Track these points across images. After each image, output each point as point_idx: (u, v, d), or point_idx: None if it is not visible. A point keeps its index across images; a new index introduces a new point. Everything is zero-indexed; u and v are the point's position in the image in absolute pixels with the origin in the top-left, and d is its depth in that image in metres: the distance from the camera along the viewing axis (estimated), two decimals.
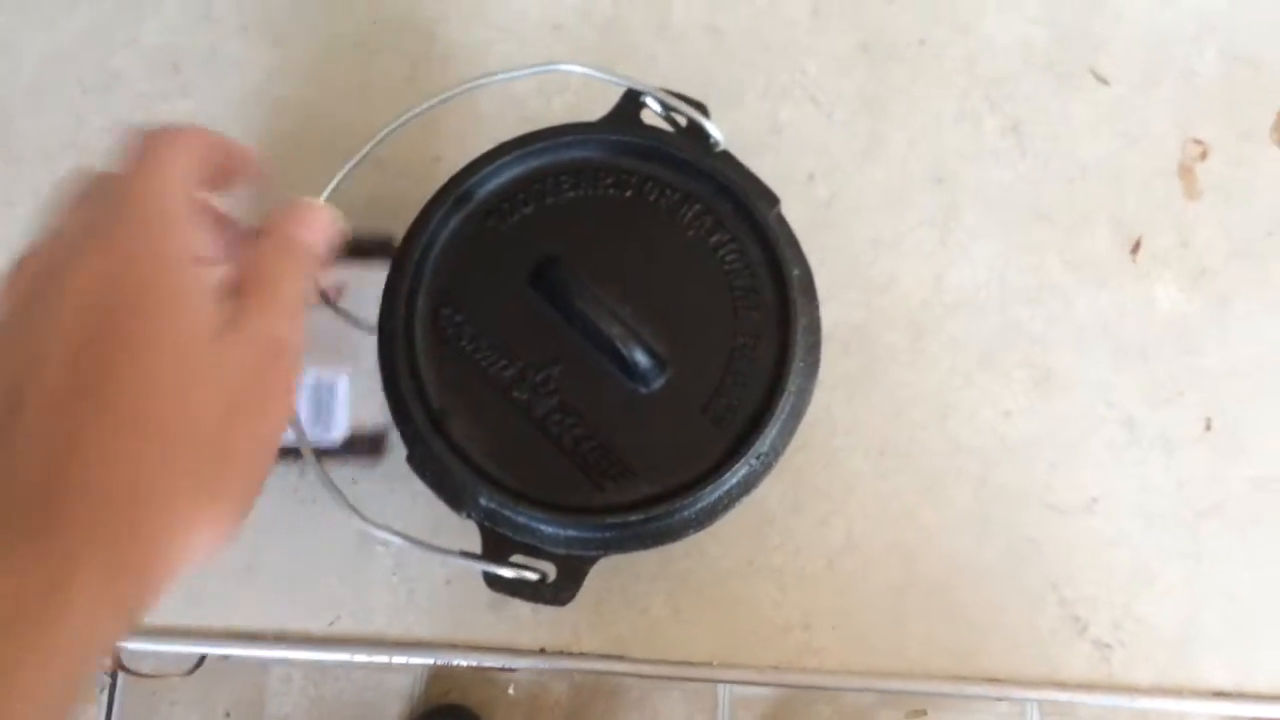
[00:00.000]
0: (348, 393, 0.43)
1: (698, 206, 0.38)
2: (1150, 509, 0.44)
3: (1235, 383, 0.45)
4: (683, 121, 0.39)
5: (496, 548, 0.36)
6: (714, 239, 0.37)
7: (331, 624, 0.43)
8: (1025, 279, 0.46)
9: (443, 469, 0.35)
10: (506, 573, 0.35)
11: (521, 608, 0.43)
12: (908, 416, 0.45)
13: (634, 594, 0.43)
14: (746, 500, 0.36)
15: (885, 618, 0.43)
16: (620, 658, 0.43)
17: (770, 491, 0.44)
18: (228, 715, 1.19)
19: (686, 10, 0.49)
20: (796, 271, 0.37)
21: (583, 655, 0.43)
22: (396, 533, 0.35)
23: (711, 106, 0.40)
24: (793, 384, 0.36)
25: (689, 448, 0.36)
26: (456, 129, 0.47)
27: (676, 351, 0.36)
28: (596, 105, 0.39)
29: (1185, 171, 0.47)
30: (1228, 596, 0.43)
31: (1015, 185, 0.47)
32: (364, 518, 0.35)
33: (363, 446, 0.43)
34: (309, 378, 0.43)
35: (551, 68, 0.38)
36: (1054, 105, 0.48)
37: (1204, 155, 0.47)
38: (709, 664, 0.43)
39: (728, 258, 0.37)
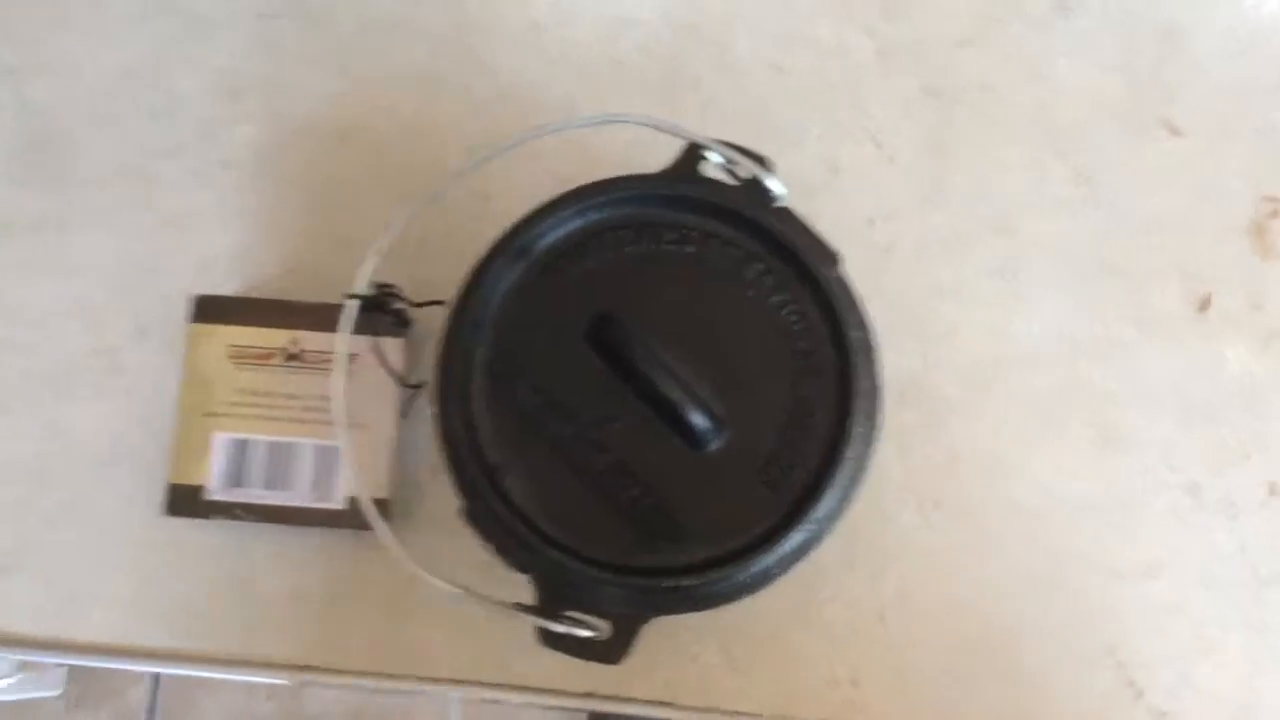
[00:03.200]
0: (349, 459, 0.41)
1: (759, 265, 0.37)
2: (1212, 575, 0.43)
3: None
4: (744, 174, 0.38)
5: (550, 603, 0.35)
6: (775, 299, 0.37)
7: (377, 658, 0.43)
8: (1091, 334, 0.45)
9: (498, 524, 0.35)
10: (559, 628, 0.35)
11: None
12: (964, 471, 0.44)
13: (684, 641, 0.43)
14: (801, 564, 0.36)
15: (935, 677, 0.42)
16: (669, 704, 0.43)
17: (825, 543, 0.43)
18: None
19: (750, 47, 0.48)
20: (857, 334, 0.36)
21: (631, 700, 0.43)
22: (459, 586, 0.35)
23: (771, 146, 0.39)
24: (852, 450, 0.35)
25: (745, 512, 0.35)
26: (508, 166, 0.46)
27: (734, 413, 0.36)
28: (659, 143, 0.39)
29: (1258, 229, 0.46)
30: None
31: (1082, 236, 0.46)
32: (427, 575, 0.35)
33: (358, 515, 0.40)
34: (308, 443, 0.42)
35: (612, 119, 0.38)
36: (1124, 155, 0.47)
37: (1277, 213, 0.46)
38: (759, 715, 0.42)
39: (788, 318, 0.37)
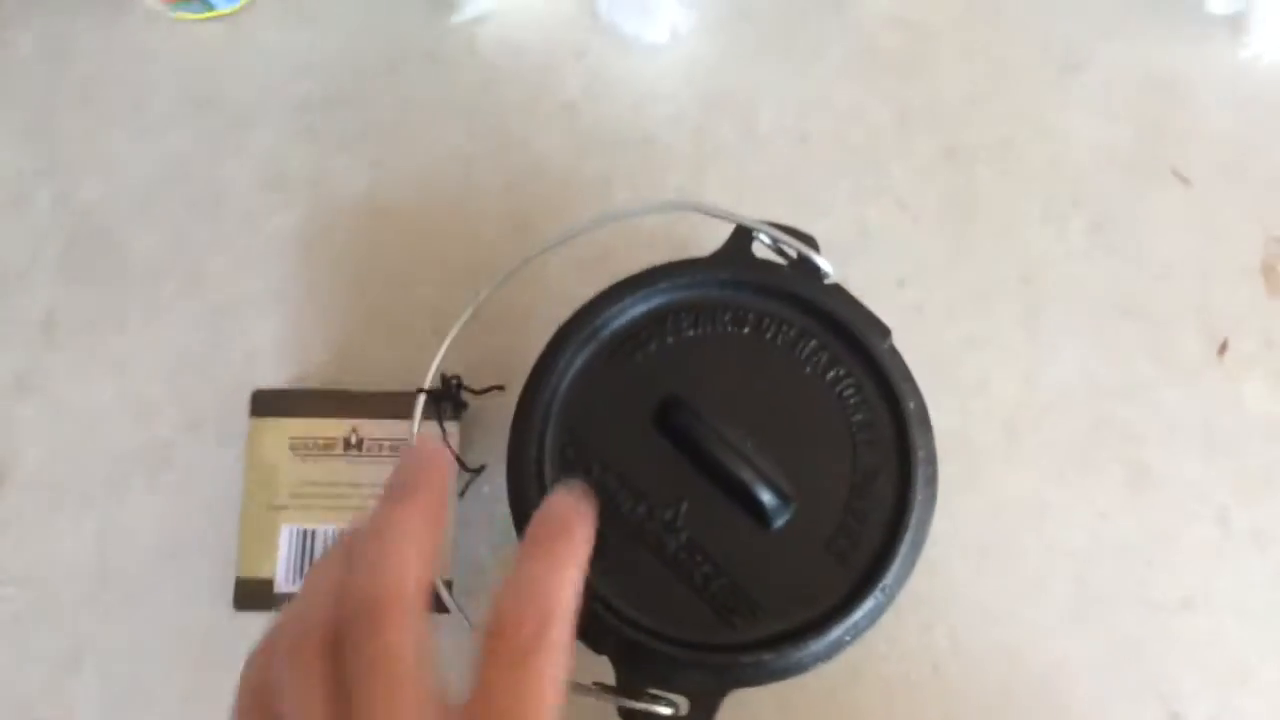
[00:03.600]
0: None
1: (814, 342, 0.39)
2: (1246, 604, 0.45)
3: None
4: (793, 254, 0.40)
5: (630, 682, 0.36)
6: (830, 374, 0.38)
7: None
8: (1115, 376, 0.47)
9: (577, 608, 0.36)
10: (640, 705, 0.36)
11: None
12: (1005, 517, 0.46)
13: (742, 699, 0.44)
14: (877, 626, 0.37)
15: (991, 719, 0.44)
16: None
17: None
18: None
19: (775, 117, 0.50)
20: (912, 405, 0.38)
21: None
22: None
23: (801, 211, 0.41)
24: (914, 517, 0.37)
25: (814, 584, 0.36)
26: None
27: (800, 488, 0.37)
28: (701, 219, 0.40)
29: (1269, 270, 0.48)
30: None
31: (1101, 283, 0.48)
32: None
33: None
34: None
35: (671, 206, 0.39)
36: (1137, 204, 0.49)
37: None
38: None
39: (844, 392, 0.38)
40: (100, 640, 0.45)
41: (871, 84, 0.50)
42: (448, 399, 0.42)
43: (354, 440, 0.44)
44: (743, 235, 0.40)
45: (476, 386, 0.44)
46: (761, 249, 0.40)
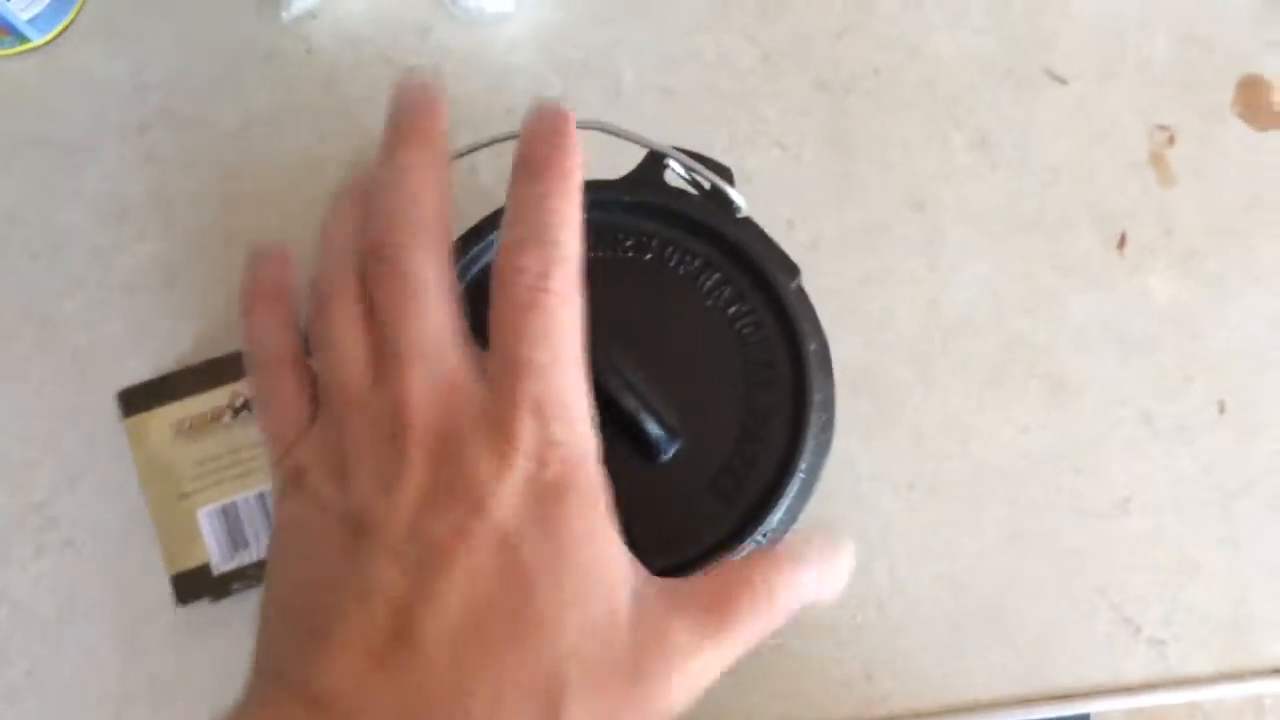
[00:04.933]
0: None
1: (717, 275, 0.37)
2: (1181, 499, 0.44)
3: (1240, 361, 0.45)
4: (706, 185, 0.38)
5: None
6: (732, 309, 0.37)
7: None
8: (1019, 290, 0.46)
9: None
10: None
11: None
12: (929, 447, 0.44)
13: None
14: None
15: (943, 653, 0.43)
16: None
17: None
18: None
19: (637, 76, 0.48)
20: (814, 347, 0.36)
21: None
22: None
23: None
24: (804, 462, 0.35)
25: (695, 522, 0.35)
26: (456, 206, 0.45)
27: (687, 424, 0.36)
28: (611, 160, 0.38)
29: (1156, 159, 0.47)
30: (1273, 571, 0.43)
31: (993, 198, 0.47)
32: None
33: None
34: None
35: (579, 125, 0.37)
36: (1016, 112, 0.48)
37: (1171, 140, 0.47)
38: None
39: (744, 330, 0.36)
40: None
41: (733, 28, 0.49)
42: None
43: (239, 403, 0.42)
44: (654, 161, 0.38)
45: None
46: (673, 180, 0.38)
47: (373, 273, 0.29)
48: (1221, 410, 0.45)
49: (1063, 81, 0.48)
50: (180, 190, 0.47)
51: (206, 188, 0.47)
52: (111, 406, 0.44)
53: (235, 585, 0.41)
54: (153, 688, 0.42)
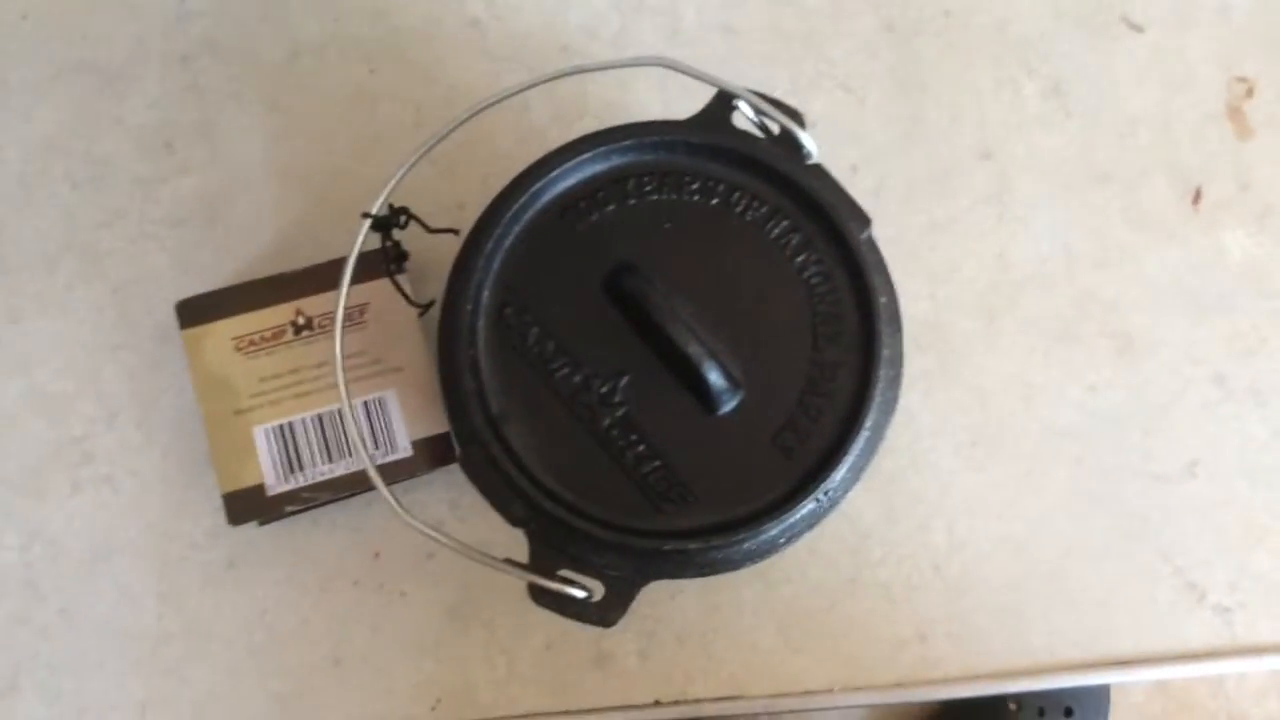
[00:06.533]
0: (399, 406, 0.40)
1: (786, 222, 0.35)
2: (1251, 463, 0.43)
3: None
4: (775, 129, 0.36)
5: (543, 560, 0.34)
6: (800, 259, 0.35)
7: (434, 708, 0.41)
8: (1090, 244, 0.44)
9: (497, 474, 0.33)
10: (551, 585, 0.33)
11: (626, 661, 0.41)
12: (993, 405, 0.43)
13: (740, 629, 0.42)
14: (815, 531, 0.35)
15: (1001, 616, 0.42)
16: (737, 698, 0.41)
17: (863, 504, 0.42)
18: None
19: (698, 14, 0.46)
20: (884, 300, 0.35)
21: (699, 701, 0.41)
22: (443, 535, 0.33)
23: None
24: (869, 420, 0.34)
25: (755, 477, 0.34)
26: (476, 171, 0.44)
27: (751, 375, 0.34)
28: (675, 100, 0.37)
29: (1234, 112, 0.45)
30: None
31: (1065, 148, 0.45)
32: (411, 519, 0.33)
33: (432, 454, 0.40)
34: (358, 402, 0.40)
35: (640, 61, 0.36)
36: (1091, 59, 0.46)
37: (1250, 93, 0.45)
38: (829, 690, 0.41)
39: (812, 280, 0.35)
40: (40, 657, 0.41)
41: None
42: (398, 228, 0.38)
43: (302, 321, 0.41)
44: (723, 102, 0.36)
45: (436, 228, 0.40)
46: (742, 122, 0.37)
47: None
48: None
49: (1139, 29, 0.46)
50: (225, 122, 0.45)
51: (252, 120, 0.45)
52: (151, 345, 0.43)
53: (289, 508, 0.39)
54: (189, 629, 0.41)
